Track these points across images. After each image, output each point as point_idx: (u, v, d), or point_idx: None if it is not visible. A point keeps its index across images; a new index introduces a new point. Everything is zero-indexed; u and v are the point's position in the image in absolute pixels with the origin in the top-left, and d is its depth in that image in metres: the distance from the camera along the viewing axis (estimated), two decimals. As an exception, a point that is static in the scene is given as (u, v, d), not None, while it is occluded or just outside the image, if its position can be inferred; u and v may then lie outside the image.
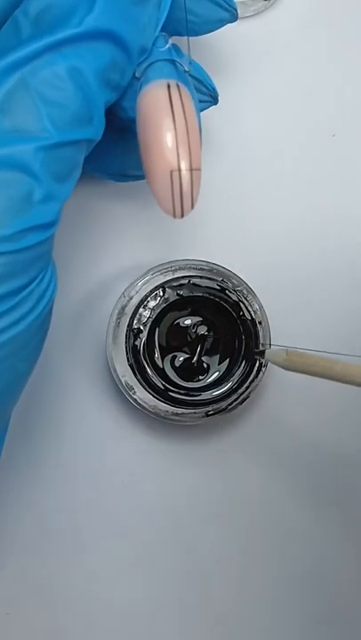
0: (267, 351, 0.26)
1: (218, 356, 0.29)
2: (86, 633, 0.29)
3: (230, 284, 0.28)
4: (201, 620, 0.30)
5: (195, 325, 0.29)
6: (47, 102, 0.19)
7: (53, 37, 0.19)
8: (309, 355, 0.24)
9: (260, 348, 0.28)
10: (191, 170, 0.21)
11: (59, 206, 0.20)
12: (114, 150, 0.23)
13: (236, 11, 0.24)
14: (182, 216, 0.22)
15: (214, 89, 0.25)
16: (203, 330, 0.29)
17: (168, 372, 0.28)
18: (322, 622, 0.30)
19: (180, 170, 0.21)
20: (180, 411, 0.28)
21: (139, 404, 0.28)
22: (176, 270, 0.28)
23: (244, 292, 0.28)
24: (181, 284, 0.28)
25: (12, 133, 0.19)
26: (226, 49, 0.30)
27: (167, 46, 0.22)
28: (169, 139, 0.21)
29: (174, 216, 0.22)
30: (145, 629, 0.30)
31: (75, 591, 0.29)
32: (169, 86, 0.21)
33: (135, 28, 0.21)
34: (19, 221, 0.19)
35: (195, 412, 0.28)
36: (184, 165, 0.21)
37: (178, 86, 0.21)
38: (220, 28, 0.25)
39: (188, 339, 0.29)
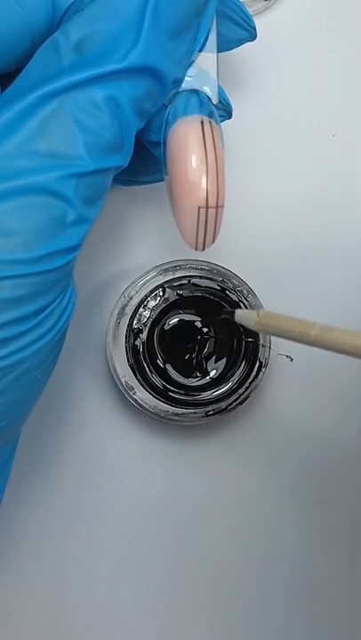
0: (237, 311, 0.23)
1: (217, 356, 0.29)
2: (86, 633, 0.29)
3: (230, 284, 0.28)
4: (201, 620, 0.30)
5: (195, 325, 0.29)
6: (84, 130, 0.19)
7: (96, 71, 0.19)
8: (284, 317, 0.21)
9: (230, 309, 0.27)
10: (217, 207, 0.21)
11: (86, 229, 0.20)
12: None
13: (255, 30, 0.25)
14: (203, 249, 0.23)
15: (229, 104, 0.25)
16: (203, 330, 0.29)
17: (168, 372, 0.28)
18: (322, 623, 0.30)
19: (207, 207, 0.21)
20: (180, 411, 0.28)
21: (139, 404, 0.28)
22: (176, 270, 0.28)
23: (245, 292, 0.28)
24: (182, 284, 0.28)
25: (49, 158, 0.19)
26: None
27: (195, 75, 0.22)
28: (201, 177, 0.21)
29: (196, 248, 0.23)
30: (145, 629, 0.30)
31: (75, 591, 0.29)
32: (202, 123, 0.21)
33: (171, 61, 0.21)
34: (50, 244, 0.19)
35: (195, 412, 0.28)
36: (212, 203, 0.21)
37: (210, 123, 0.22)
38: (239, 46, 0.25)
39: (189, 339, 0.29)
